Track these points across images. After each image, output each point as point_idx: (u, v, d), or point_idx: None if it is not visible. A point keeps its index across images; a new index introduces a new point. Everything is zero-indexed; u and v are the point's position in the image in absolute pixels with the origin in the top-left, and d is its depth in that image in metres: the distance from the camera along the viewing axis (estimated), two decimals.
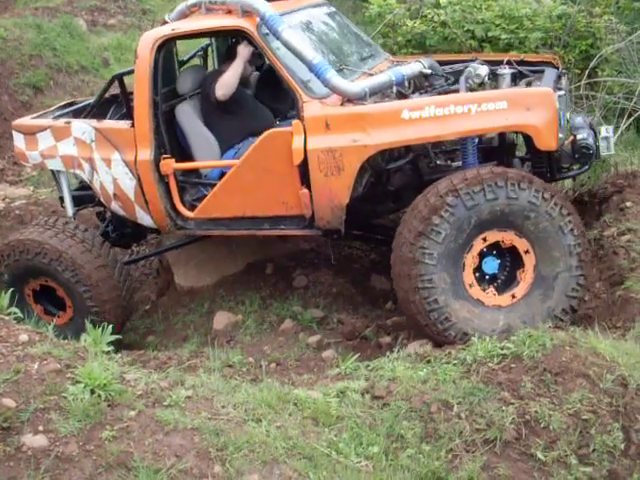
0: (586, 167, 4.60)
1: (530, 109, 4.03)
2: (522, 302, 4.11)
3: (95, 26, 11.52)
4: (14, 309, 3.60)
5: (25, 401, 2.68)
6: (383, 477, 2.84)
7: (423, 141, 4.32)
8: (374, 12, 7.58)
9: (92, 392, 2.82)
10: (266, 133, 4.54)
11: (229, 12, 4.73)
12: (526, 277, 4.12)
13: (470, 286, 4.15)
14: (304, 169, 4.39)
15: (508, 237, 4.09)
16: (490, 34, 7.25)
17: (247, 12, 4.54)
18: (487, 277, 4.22)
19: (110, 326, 3.52)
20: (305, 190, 4.44)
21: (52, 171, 5.67)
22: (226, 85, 4.83)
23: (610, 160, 5.91)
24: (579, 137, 4.41)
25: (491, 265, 4.19)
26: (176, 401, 3.00)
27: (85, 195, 5.67)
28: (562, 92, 4.24)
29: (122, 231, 5.77)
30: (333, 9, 5.68)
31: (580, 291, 4.07)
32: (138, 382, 3.08)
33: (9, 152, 9.14)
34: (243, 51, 4.82)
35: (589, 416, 3.07)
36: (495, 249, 4.17)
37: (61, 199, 5.71)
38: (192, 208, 5.03)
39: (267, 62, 5.07)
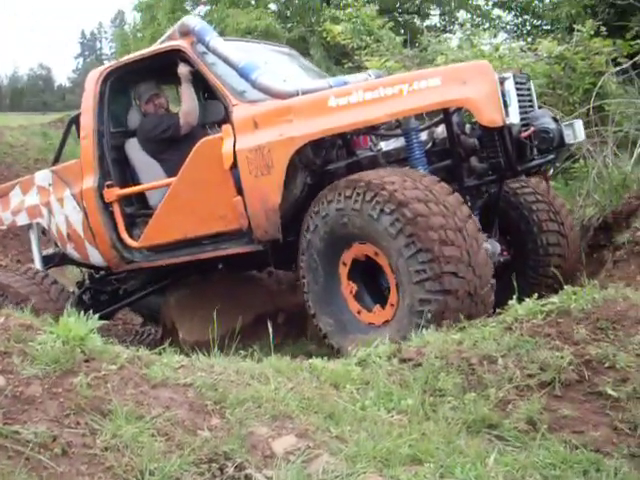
0: (551, 156, 4.26)
1: (466, 83, 3.75)
2: (399, 309, 3.63)
3: None
4: None
5: None
6: (423, 429, 2.30)
7: (353, 127, 4.06)
8: None
9: (65, 344, 2.36)
10: (198, 143, 4.42)
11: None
12: (390, 279, 3.68)
13: (359, 313, 3.87)
14: (238, 176, 4.23)
15: (358, 249, 3.82)
16: None
17: (184, 33, 4.67)
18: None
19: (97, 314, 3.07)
20: (238, 197, 4.25)
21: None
22: (188, 112, 4.78)
23: (631, 176, 5.64)
24: (537, 123, 4.09)
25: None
26: (168, 364, 2.53)
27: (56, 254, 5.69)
28: (509, 75, 3.94)
29: (97, 298, 5.71)
30: (295, 52, 5.79)
31: (428, 270, 3.39)
32: (124, 351, 2.62)
33: (13, 250, 9.05)
34: (183, 71, 4.71)
35: None
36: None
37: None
38: None
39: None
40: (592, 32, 7.11)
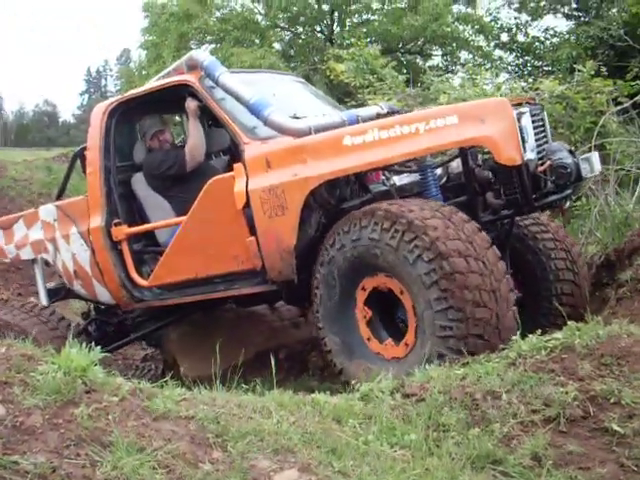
0: (568, 191, 4.16)
1: (484, 121, 3.65)
2: (413, 352, 3.53)
3: None
4: None
5: None
6: (426, 464, 2.27)
7: (369, 167, 3.96)
8: None
9: (67, 374, 2.34)
10: (209, 182, 4.34)
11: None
12: (411, 321, 3.56)
13: (368, 340, 3.77)
14: (251, 216, 4.14)
15: (382, 280, 3.69)
16: None
17: (192, 67, 4.60)
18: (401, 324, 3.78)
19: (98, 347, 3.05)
20: (252, 238, 4.16)
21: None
22: (195, 147, 4.73)
23: (633, 215, 5.67)
24: (555, 158, 3.98)
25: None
26: (169, 397, 2.51)
27: (61, 288, 5.57)
28: (526, 109, 3.86)
29: (104, 329, 5.58)
30: (301, 79, 5.75)
31: (455, 329, 3.29)
32: (125, 383, 2.60)
33: (14, 283, 9.03)
34: (191, 106, 4.63)
35: None
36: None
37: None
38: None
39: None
40: (592, 72, 7.21)
